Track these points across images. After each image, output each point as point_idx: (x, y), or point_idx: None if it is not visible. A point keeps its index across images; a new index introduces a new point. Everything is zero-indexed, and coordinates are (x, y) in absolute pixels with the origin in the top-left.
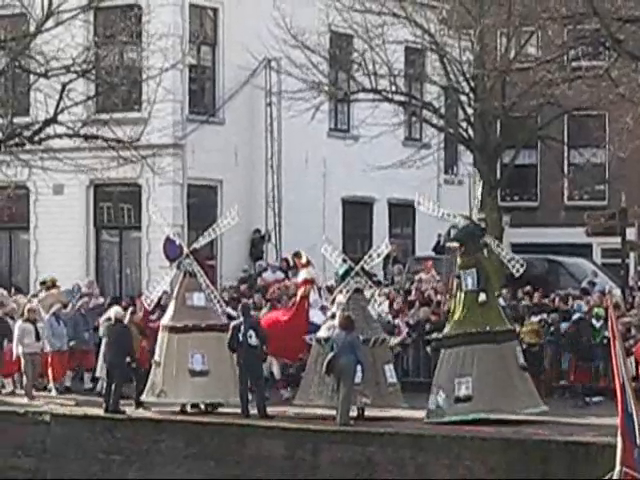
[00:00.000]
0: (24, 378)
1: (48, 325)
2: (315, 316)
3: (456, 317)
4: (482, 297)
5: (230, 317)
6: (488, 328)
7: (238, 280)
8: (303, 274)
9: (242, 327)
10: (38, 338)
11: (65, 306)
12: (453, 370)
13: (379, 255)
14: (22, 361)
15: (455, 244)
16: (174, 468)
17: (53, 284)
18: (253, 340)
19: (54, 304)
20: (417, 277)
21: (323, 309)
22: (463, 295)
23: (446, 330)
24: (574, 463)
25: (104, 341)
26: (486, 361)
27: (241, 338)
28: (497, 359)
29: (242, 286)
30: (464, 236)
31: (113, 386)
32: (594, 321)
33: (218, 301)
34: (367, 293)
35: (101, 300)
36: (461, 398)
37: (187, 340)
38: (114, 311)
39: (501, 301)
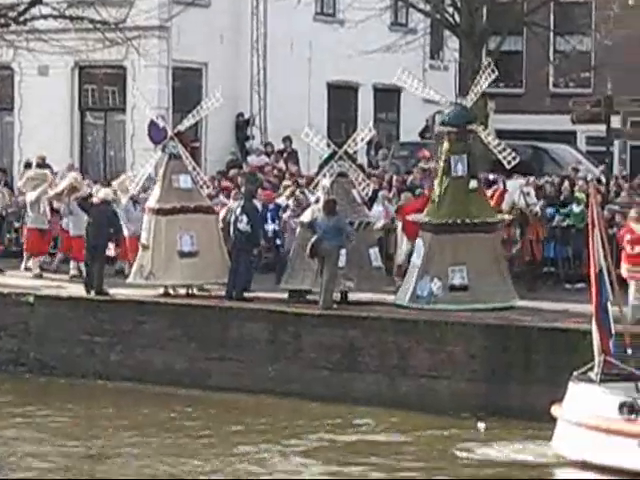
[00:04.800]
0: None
1: (125, 210)
2: None
3: (444, 203)
4: (473, 184)
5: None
6: (481, 218)
7: (226, 163)
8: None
9: (237, 210)
10: None
11: (145, 190)
12: (446, 258)
13: (363, 139)
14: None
15: (447, 128)
16: (157, 350)
17: (43, 162)
18: (242, 225)
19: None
20: (416, 168)
21: None
22: (451, 181)
23: (431, 216)
24: (555, 350)
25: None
26: (480, 251)
27: (232, 221)
28: (489, 249)
29: (231, 171)
30: (457, 120)
31: (96, 267)
32: (574, 206)
33: (204, 183)
34: None
35: None
36: (456, 287)
37: (175, 222)
38: (104, 192)
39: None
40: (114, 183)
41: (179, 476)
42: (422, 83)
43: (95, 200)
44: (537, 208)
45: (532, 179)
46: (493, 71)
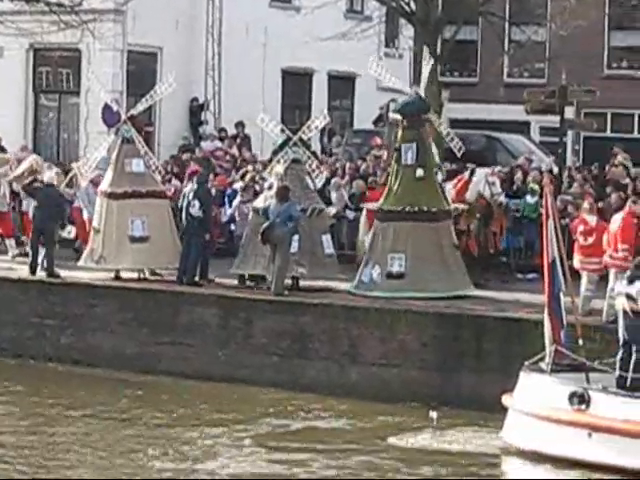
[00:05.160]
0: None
1: (85, 193)
2: None
3: (393, 191)
4: (419, 172)
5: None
6: (425, 207)
7: (179, 148)
8: None
9: (190, 195)
10: None
11: None
12: (387, 245)
13: (317, 126)
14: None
15: (398, 116)
16: (107, 334)
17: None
18: (195, 210)
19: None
20: (369, 156)
21: None
22: (401, 169)
23: (381, 203)
24: (507, 339)
25: (33, 204)
26: (421, 239)
27: (185, 206)
28: (432, 238)
29: (184, 155)
30: (409, 109)
31: (46, 250)
32: (528, 197)
33: (156, 167)
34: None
35: None
36: (393, 274)
37: (127, 206)
38: (48, 175)
39: (439, 177)
40: (74, 165)
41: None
42: (389, 73)
43: (39, 184)
44: (502, 198)
45: (497, 169)
46: (430, 58)
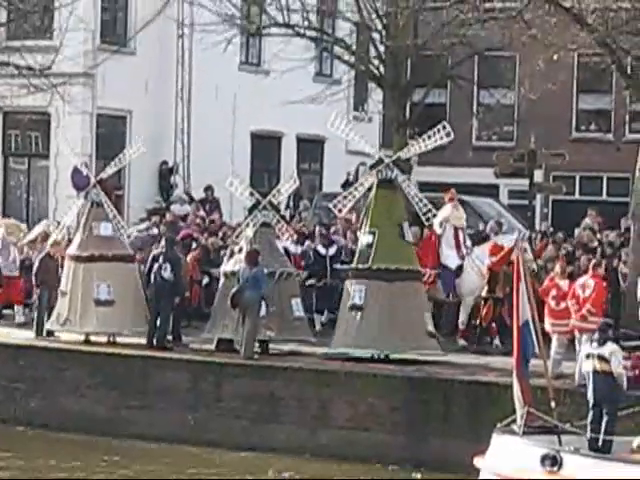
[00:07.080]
0: None
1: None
2: (449, 258)
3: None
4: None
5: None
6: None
7: (147, 212)
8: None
9: (160, 258)
10: None
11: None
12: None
13: (287, 190)
14: None
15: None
16: (77, 397)
17: None
18: (167, 274)
19: None
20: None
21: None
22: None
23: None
24: (476, 403)
25: None
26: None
27: (155, 269)
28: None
29: (153, 218)
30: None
31: None
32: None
33: (125, 231)
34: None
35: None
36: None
37: (93, 270)
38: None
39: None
40: None
41: None
42: (353, 131)
43: None
44: (534, 265)
45: (526, 234)
46: (448, 135)
